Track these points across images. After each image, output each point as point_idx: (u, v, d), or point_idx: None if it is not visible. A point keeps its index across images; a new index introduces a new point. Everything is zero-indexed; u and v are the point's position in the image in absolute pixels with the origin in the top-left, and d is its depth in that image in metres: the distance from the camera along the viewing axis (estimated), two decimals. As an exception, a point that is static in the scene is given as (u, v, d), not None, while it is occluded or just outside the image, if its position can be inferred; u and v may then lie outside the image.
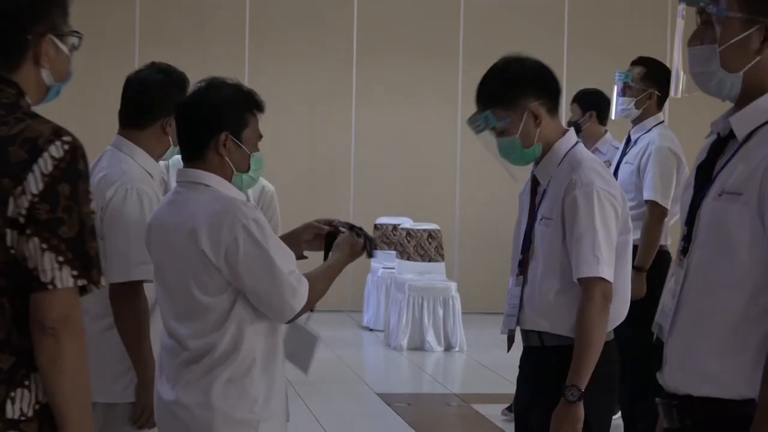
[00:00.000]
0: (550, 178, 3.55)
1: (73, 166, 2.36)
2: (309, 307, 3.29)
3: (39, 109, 2.51)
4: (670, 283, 2.55)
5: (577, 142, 3.59)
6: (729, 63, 2.45)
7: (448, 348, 10.96)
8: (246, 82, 3.62)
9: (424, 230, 11.97)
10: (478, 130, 3.59)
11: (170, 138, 3.98)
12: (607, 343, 3.49)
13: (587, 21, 13.97)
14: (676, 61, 2.66)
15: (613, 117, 6.32)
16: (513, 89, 3.53)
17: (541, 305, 3.52)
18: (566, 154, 3.54)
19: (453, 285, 11.29)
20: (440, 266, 11.86)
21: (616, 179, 6.17)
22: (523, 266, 3.57)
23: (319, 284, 3.32)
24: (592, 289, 3.42)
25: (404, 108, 13.28)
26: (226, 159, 3.30)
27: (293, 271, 3.23)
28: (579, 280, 3.44)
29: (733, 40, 2.44)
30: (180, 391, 3.25)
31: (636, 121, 6.18)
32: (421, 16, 13.89)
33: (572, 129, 3.66)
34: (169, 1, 13.33)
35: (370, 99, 13.72)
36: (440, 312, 11.00)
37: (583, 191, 3.44)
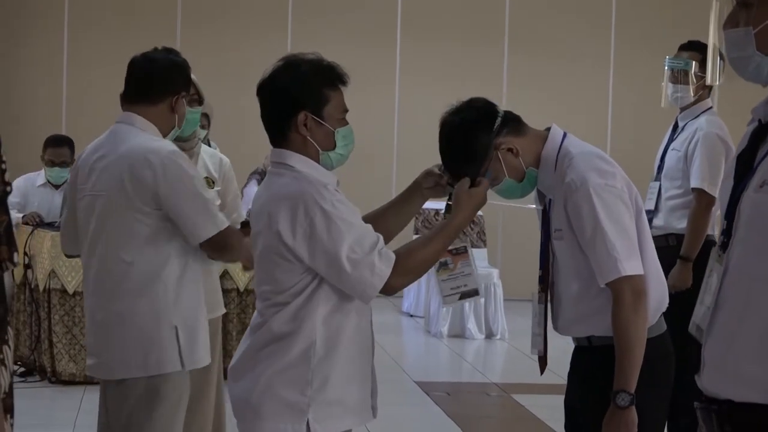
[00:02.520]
0: (552, 187, 3.43)
1: None
2: (407, 277, 3.20)
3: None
4: (710, 281, 2.40)
5: (565, 135, 3.45)
6: (765, 46, 2.29)
7: (489, 336, 10.84)
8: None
9: (467, 216, 11.84)
10: None
11: (176, 117, 3.96)
12: (652, 339, 3.35)
13: (635, 4, 13.81)
14: (711, 45, 2.50)
15: (662, 104, 6.11)
16: (471, 148, 3.40)
17: (578, 315, 3.43)
18: (558, 154, 3.40)
19: (495, 272, 11.15)
20: (482, 252, 11.75)
21: (663, 166, 6.03)
22: (544, 282, 3.48)
23: (419, 253, 3.21)
24: (620, 290, 3.29)
25: (448, 92, 13.07)
26: (309, 139, 3.21)
27: (372, 250, 3.12)
28: (605, 285, 3.33)
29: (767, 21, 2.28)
30: (239, 361, 3.26)
31: (684, 107, 6.00)
32: (467, -2, 13.76)
33: (553, 125, 3.49)
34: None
35: (413, 83, 13.60)
36: (482, 299, 10.86)
37: (580, 194, 3.30)
